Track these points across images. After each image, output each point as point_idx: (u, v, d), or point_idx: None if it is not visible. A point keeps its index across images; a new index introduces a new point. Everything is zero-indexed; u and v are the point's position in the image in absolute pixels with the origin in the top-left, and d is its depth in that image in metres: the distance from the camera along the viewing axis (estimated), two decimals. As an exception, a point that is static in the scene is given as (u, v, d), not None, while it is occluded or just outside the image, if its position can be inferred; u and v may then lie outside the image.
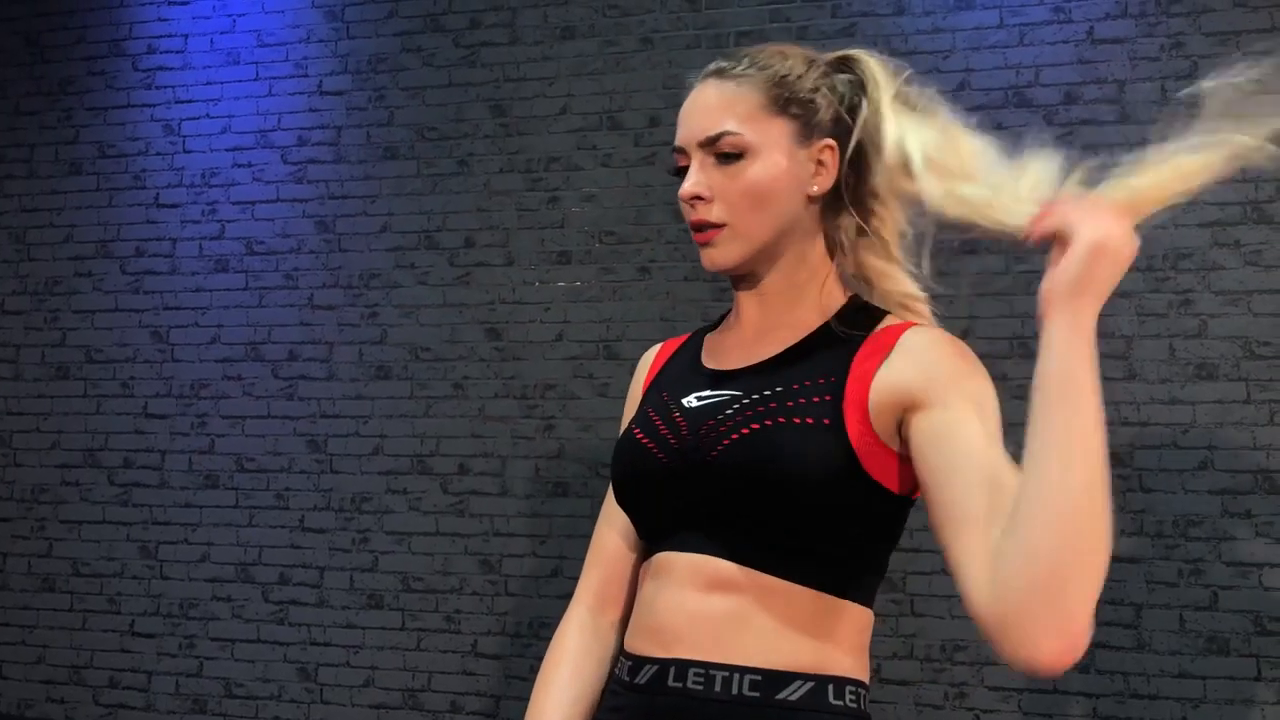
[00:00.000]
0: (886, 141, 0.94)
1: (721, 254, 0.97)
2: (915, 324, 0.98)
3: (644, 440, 0.99)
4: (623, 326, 2.84)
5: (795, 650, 0.88)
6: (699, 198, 0.96)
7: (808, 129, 0.97)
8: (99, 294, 3.27)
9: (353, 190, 3.08)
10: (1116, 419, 2.53)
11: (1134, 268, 2.51)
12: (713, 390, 0.98)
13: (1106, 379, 2.27)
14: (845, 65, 1.01)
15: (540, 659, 1.09)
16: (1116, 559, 2.34)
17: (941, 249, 2.49)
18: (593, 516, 2.71)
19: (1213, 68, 2.59)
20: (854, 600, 0.93)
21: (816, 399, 0.91)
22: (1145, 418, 2.51)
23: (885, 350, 0.94)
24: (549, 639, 1.11)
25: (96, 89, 3.32)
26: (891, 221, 1.00)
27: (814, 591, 0.90)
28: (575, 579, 1.15)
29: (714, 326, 1.11)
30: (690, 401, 0.98)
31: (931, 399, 0.88)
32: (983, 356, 2.77)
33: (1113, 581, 2.44)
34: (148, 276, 3.23)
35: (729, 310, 1.09)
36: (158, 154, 3.25)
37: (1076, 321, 0.75)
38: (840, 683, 0.90)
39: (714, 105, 0.96)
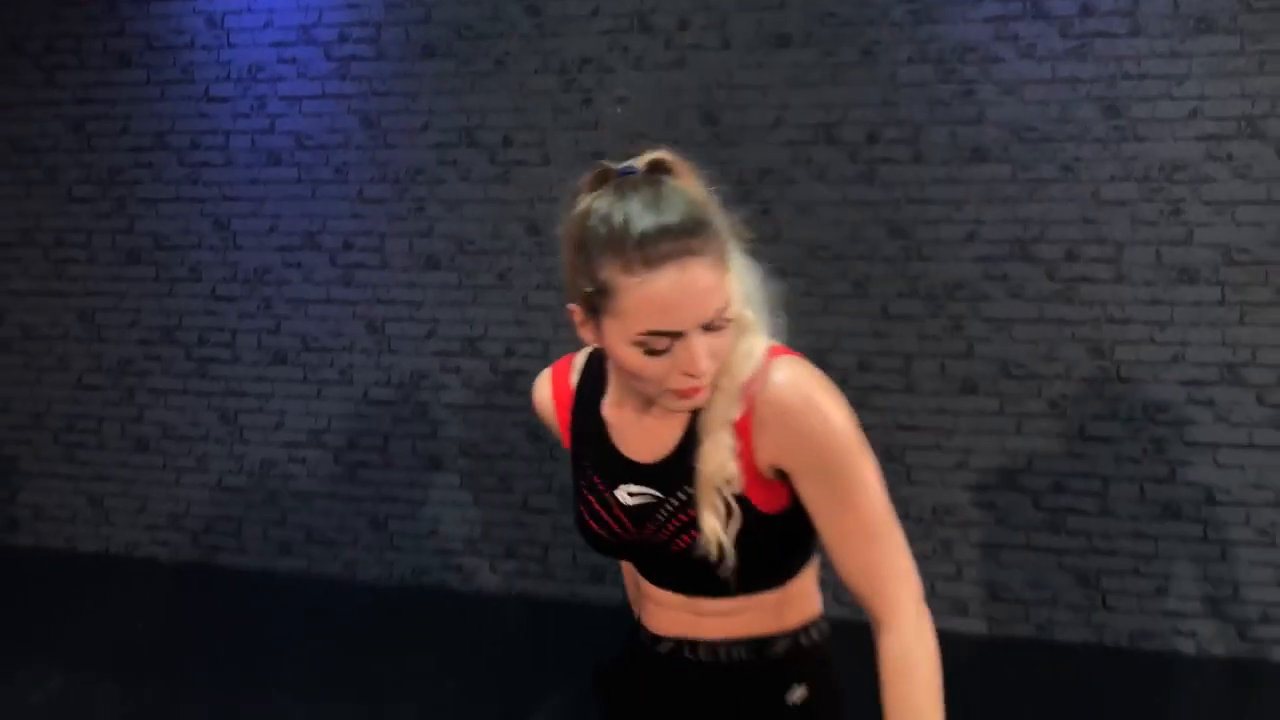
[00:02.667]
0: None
1: (701, 398, 1.05)
2: (762, 377, 1.04)
3: (598, 529, 1.16)
4: (654, 224, 3.06)
5: (767, 624, 1.13)
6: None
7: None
8: (160, 184, 3.48)
9: (395, 87, 3.23)
10: (1103, 316, 2.80)
11: (1130, 178, 2.70)
12: (638, 485, 1.12)
13: (1097, 281, 2.52)
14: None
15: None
16: (1089, 437, 2.66)
17: (953, 159, 2.67)
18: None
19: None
20: (801, 569, 1.14)
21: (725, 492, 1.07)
22: (1128, 316, 2.78)
23: (750, 425, 1.05)
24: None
25: (136, -23, 3.40)
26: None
27: (771, 591, 1.12)
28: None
29: (600, 377, 1.19)
30: (624, 498, 1.13)
31: (799, 473, 1.05)
32: (986, 259, 3.00)
33: (1079, 456, 2.80)
34: (205, 168, 3.43)
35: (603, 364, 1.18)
36: (204, 48, 3.37)
37: None
38: (807, 628, 1.15)
39: (708, 287, 1.00)
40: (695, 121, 3.02)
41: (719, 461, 1.05)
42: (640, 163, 1.05)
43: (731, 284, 1.03)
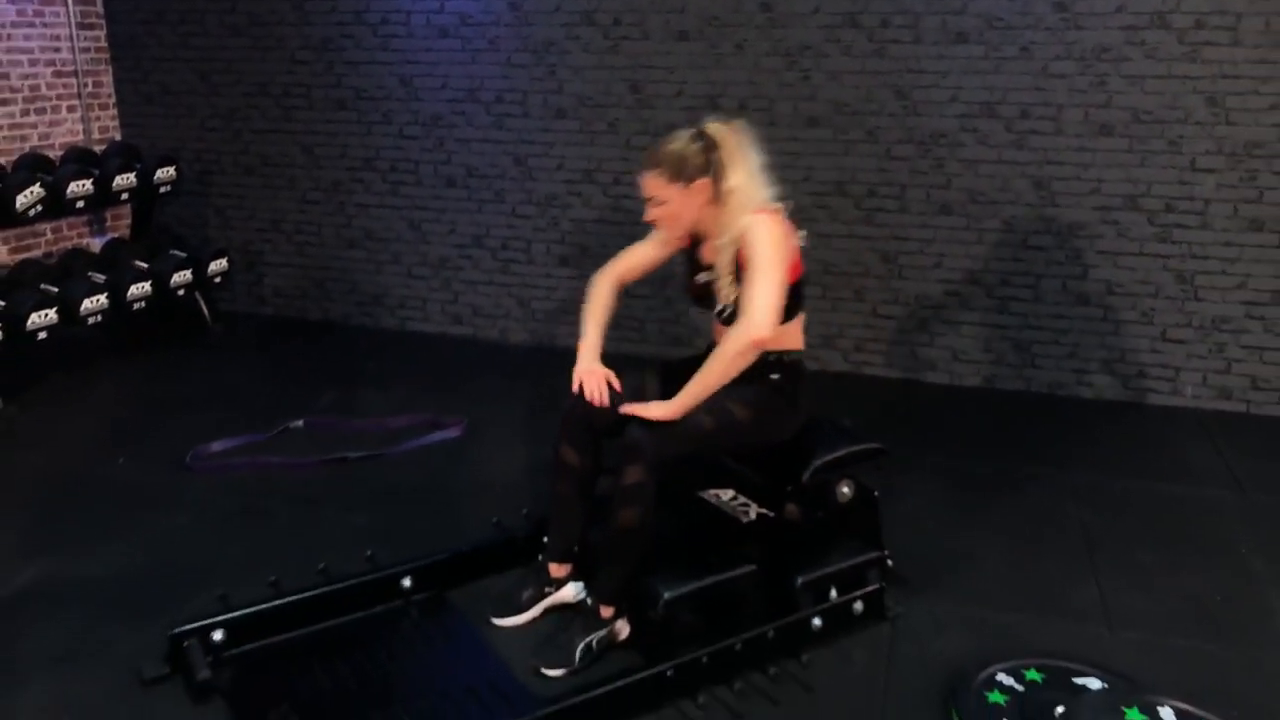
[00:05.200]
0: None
1: (665, 230, 2.40)
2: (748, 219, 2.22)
3: (690, 290, 2.45)
4: (723, 87, 4.19)
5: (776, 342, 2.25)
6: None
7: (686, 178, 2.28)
8: (359, 50, 4.71)
9: (532, -21, 4.34)
10: (1044, 160, 3.89)
11: (1070, 58, 3.90)
12: (705, 272, 2.36)
13: (1040, 134, 3.81)
14: (705, 136, 2.29)
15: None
16: (1029, 246, 3.96)
17: (942, 40, 3.80)
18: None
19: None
20: (786, 322, 2.26)
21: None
22: (1062, 160, 3.86)
23: (744, 243, 2.22)
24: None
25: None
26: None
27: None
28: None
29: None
30: (700, 278, 2.38)
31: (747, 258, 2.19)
32: (962, 115, 4.18)
33: (1021, 260, 4.01)
34: (392, 39, 4.63)
35: None
36: (389, -54, 4.49)
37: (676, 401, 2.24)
38: (788, 351, 2.34)
39: (649, 184, 2.30)
40: (755, 8, 4.08)
41: (723, 260, 2.27)
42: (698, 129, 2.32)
43: (672, 190, 2.27)
